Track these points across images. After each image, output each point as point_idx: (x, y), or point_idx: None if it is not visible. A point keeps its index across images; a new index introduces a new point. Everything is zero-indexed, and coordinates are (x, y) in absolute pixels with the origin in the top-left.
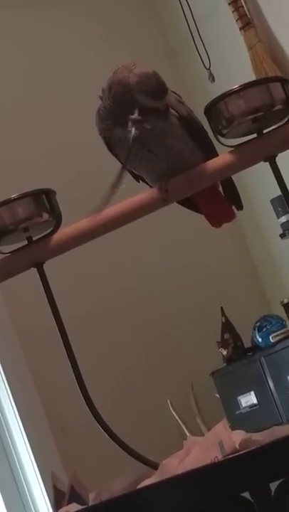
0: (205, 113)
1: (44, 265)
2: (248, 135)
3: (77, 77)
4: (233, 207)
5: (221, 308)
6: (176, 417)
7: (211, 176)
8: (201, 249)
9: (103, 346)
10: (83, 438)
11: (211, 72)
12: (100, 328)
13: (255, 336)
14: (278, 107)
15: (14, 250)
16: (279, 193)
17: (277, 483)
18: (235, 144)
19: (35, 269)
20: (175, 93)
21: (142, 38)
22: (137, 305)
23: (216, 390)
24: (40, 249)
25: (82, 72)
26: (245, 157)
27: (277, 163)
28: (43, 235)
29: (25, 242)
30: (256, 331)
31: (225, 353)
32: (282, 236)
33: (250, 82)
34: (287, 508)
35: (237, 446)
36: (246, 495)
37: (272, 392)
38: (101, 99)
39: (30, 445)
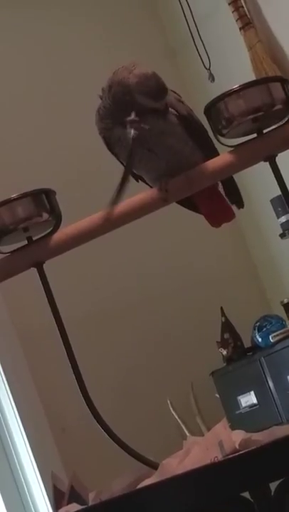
0: (205, 113)
1: (44, 265)
2: (248, 135)
3: (77, 77)
4: (234, 206)
5: (221, 308)
6: (176, 417)
7: (211, 176)
8: (201, 249)
9: (103, 346)
10: (83, 438)
11: (211, 72)
12: (100, 328)
13: (255, 336)
14: (278, 106)
15: (14, 250)
16: (279, 192)
17: (277, 483)
18: (235, 143)
19: (35, 269)
20: (175, 92)
21: (142, 38)
22: (137, 305)
23: (216, 389)
24: (40, 249)
25: (82, 72)
26: (245, 157)
27: (277, 163)
28: (42, 234)
29: (25, 242)
30: (256, 331)
31: (225, 352)
32: (282, 236)
33: (250, 82)
34: (287, 508)
35: (237, 446)
36: (246, 495)
37: (272, 392)
38: (101, 99)
39: (30, 445)
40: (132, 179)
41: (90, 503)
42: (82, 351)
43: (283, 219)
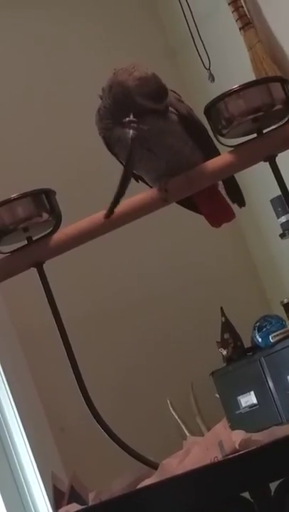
0: (205, 113)
1: (44, 265)
2: (247, 135)
3: (77, 77)
4: (235, 204)
5: (221, 308)
6: (176, 417)
7: (211, 176)
8: (201, 249)
9: (103, 346)
10: (83, 438)
11: (210, 72)
12: (100, 328)
13: (255, 336)
14: (278, 106)
15: (14, 250)
16: (279, 192)
17: (276, 483)
18: (235, 143)
19: (35, 269)
20: (174, 92)
21: (142, 38)
22: (137, 305)
23: (216, 390)
24: (40, 249)
25: (82, 72)
26: (245, 157)
27: (277, 163)
28: (42, 234)
29: (25, 242)
30: (256, 331)
31: (225, 353)
32: (282, 236)
33: (250, 82)
34: (287, 508)
35: (237, 446)
36: (246, 495)
37: (272, 392)
38: (101, 99)
39: (30, 445)
40: (132, 180)
41: (90, 503)
42: (82, 351)
43: (283, 219)
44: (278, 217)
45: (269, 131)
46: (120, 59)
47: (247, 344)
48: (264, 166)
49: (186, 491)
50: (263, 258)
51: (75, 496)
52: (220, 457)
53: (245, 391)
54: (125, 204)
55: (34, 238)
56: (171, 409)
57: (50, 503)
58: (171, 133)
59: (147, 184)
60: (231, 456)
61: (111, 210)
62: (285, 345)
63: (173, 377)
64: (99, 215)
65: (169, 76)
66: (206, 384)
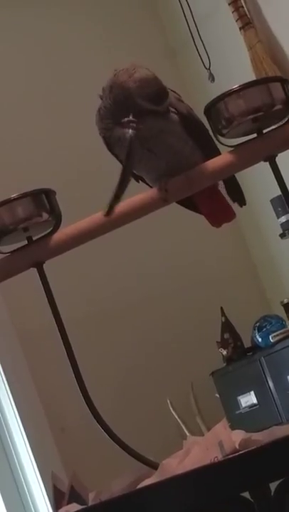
0: (205, 113)
1: (44, 265)
2: (247, 135)
3: (77, 77)
4: (236, 203)
5: (221, 308)
6: (176, 417)
7: (211, 176)
8: (201, 249)
9: (103, 346)
10: (83, 438)
11: (210, 72)
12: (100, 328)
13: (255, 336)
14: (278, 106)
15: (14, 250)
16: (279, 192)
17: (277, 483)
18: (235, 143)
19: (35, 269)
20: (174, 92)
21: (142, 38)
22: (137, 305)
23: (216, 389)
24: (40, 249)
25: (82, 72)
26: (245, 157)
27: (277, 163)
28: (42, 234)
29: (25, 242)
30: (256, 331)
31: (225, 353)
32: (282, 236)
33: (250, 82)
34: (287, 508)
35: (237, 446)
36: (246, 495)
37: (272, 392)
38: (101, 99)
39: (30, 445)
40: (132, 180)
41: (90, 503)
42: (82, 351)
43: (283, 219)
44: (278, 217)
45: (269, 131)
46: (120, 59)
47: (247, 344)
48: (264, 166)
49: (186, 491)
50: (263, 258)
51: (75, 496)
52: (220, 457)
53: (245, 391)
54: (125, 204)
55: (34, 238)
56: (171, 409)
57: (50, 503)
58: (171, 133)
59: (147, 184)
60: (231, 456)
61: (110, 208)
62: (285, 345)
63: (173, 377)
64: (99, 215)
65: (169, 76)
66: (206, 384)
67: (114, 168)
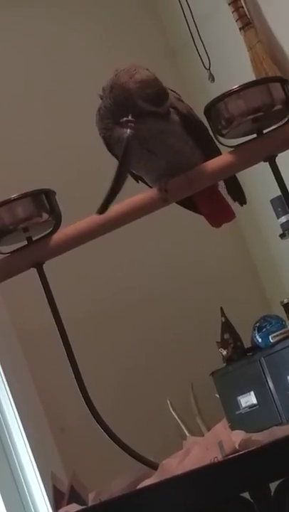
0: (205, 113)
1: (44, 265)
2: (247, 135)
3: (77, 77)
4: (237, 203)
5: (221, 308)
6: (176, 417)
7: (211, 176)
8: (201, 250)
9: (103, 346)
10: (83, 438)
11: (210, 73)
12: (100, 328)
13: (255, 336)
14: (278, 107)
15: (14, 250)
16: (279, 193)
17: (276, 483)
18: (235, 144)
19: (35, 270)
20: (174, 91)
21: (142, 38)
22: (137, 305)
23: (216, 390)
24: (40, 250)
25: (82, 72)
26: (245, 157)
27: (277, 164)
28: (42, 235)
29: (25, 242)
30: (256, 331)
31: (225, 353)
32: (282, 236)
33: (250, 82)
34: (287, 508)
35: (237, 447)
36: (246, 495)
37: (272, 393)
38: (101, 98)
39: (30, 445)
40: (131, 180)
41: (90, 504)
42: (82, 351)
43: (283, 219)
44: (278, 218)
45: (269, 132)
46: (120, 59)
47: (247, 344)
48: (264, 166)
49: (185, 491)
50: (263, 258)
51: (74, 496)
52: (220, 457)
53: (245, 391)
54: (125, 204)
55: (34, 238)
56: (171, 409)
57: (50, 504)
58: (171, 133)
59: (147, 184)
60: (231, 456)
61: (103, 208)
62: (285, 345)
63: (173, 377)
64: (99, 216)
65: (169, 76)
66: (206, 384)
67: (114, 168)
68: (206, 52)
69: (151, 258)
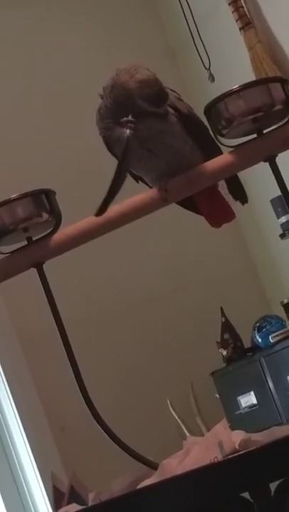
0: (205, 113)
1: (44, 265)
2: (247, 135)
3: (77, 77)
4: (238, 202)
5: (221, 308)
6: (176, 417)
7: (211, 176)
8: (201, 250)
9: (103, 346)
10: (83, 438)
11: (210, 73)
12: (100, 328)
13: (255, 336)
14: (278, 107)
15: (14, 250)
16: (279, 193)
17: (276, 483)
18: (235, 144)
19: (35, 270)
20: (174, 91)
21: (142, 38)
22: (137, 305)
23: (216, 390)
24: (40, 250)
25: (82, 72)
26: (245, 157)
27: (277, 164)
28: (42, 235)
29: (25, 243)
30: (256, 331)
31: (225, 353)
32: (282, 236)
33: (250, 83)
34: (287, 508)
35: (237, 447)
36: (246, 495)
37: (272, 393)
38: (102, 98)
39: (30, 445)
40: (131, 180)
41: (90, 504)
42: (82, 351)
43: (283, 219)
44: (278, 218)
45: (269, 132)
46: (120, 59)
47: (247, 344)
48: (264, 166)
49: (185, 491)
50: (263, 258)
51: (74, 496)
52: (220, 457)
53: (245, 391)
54: (125, 204)
55: (34, 238)
56: (171, 409)
57: (50, 503)
58: (170, 133)
59: (147, 185)
60: (231, 456)
61: (101, 209)
62: (285, 345)
63: (173, 377)
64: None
65: (169, 76)
66: (206, 384)
67: (114, 168)
68: (206, 52)
69: (151, 258)
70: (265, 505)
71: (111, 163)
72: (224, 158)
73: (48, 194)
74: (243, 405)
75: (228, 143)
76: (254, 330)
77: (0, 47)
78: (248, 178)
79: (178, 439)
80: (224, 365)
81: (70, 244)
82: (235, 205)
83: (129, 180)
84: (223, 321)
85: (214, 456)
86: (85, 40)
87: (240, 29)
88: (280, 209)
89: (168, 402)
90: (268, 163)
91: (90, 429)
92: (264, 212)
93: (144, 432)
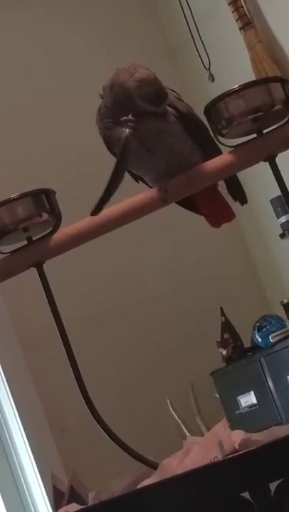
0: (205, 113)
1: (44, 265)
2: (247, 135)
3: (77, 77)
4: (237, 202)
5: (221, 308)
6: (176, 417)
7: (211, 176)
8: (201, 250)
9: (103, 346)
10: (83, 438)
11: (210, 72)
12: (100, 328)
13: (255, 336)
14: (278, 107)
15: (14, 250)
16: (279, 193)
17: (276, 483)
18: (235, 143)
19: (35, 269)
20: (174, 91)
21: (142, 38)
22: (137, 305)
23: (216, 389)
24: (40, 249)
25: (82, 72)
26: (245, 157)
27: (277, 163)
28: (42, 234)
29: (25, 242)
30: (256, 331)
31: (225, 352)
32: (282, 236)
33: (250, 82)
34: (287, 508)
35: (236, 446)
36: (246, 495)
37: (271, 392)
38: (102, 98)
39: (30, 445)
40: (131, 180)
41: (90, 503)
42: (82, 351)
43: (283, 219)
44: (278, 218)
45: (269, 132)
46: (120, 59)
47: (247, 344)
48: (264, 166)
49: (185, 491)
50: (263, 258)
51: (74, 496)
52: (220, 457)
53: (245, 391)
54: (125, 204)
55: (34, 238)
56: (171, 409)
57: (50, 503)
58: (170, 133)
59: (147, 184)
60: (231, 456)
61: (97, 208)
62: (285, 345)
63: (173, 377)
64: (99, 216)
65: (169, 76)
66: (205, 384)
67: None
68: (206, 52)
69: (151, 258)
70: (265, 504)
71: (111, 163)
72: (224, 158)
73: (48, 194)
74: (243, 405)
75: (228, 143)
76: (254, 330)
77: (0, 47)
78: (248, 178)
79: (178, 439)
80: (224, 364)
81: (70, 244)
82: (235, 205)
83: (129, 180)
84: (223, 320)
85: (214, 455)
86: (85, 40)
87: (240, 29)
88: (279, 209)
89: (168, 401)
90: (267, 163)
91: (90, 429)
92: (264, 212)
93: (144, 431)
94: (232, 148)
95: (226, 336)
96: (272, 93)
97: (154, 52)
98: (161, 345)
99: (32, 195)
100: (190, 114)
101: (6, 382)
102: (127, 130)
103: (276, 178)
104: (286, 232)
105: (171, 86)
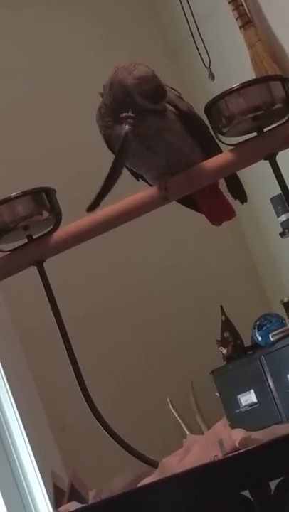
0: (205, 112)
1: (44, 263)
2: (248, 133)
3: (77, 77)
4: (237, 201)
5: (221, 306)
6: (176, 416)
7: (211, 174)
8: (201, 248)
9: (103, 345)
10: (83, 436)
11: (211, 71)
12: (100, 326)
13: (255, 335)
14: (278, 105)
15: (14, 248)
16: (279, 191)
17: (277, 481)
18: (236, 142)
19: (36, 268)
20: (174, 89)
21: (142, 37)
22: (137, 304)
23: (216, 388)
24: (40, 248)
25: (82, 72)
26: (245, 155)
27: (278, 162)
28: (43, 233)
29: (26, 241)
30: (256, 330)
31: (225, 351)
32: (282, 235)
33: (250, 81)
34: (287, 507)
35: (237, 445)
36: (246, 493)
37: (272, 391)
38: (102, 96)
39: (30, 443)
40: (131, 178)
41: (90, 502)
42: (82, 350)
43: (283, 218)
44: (278, 216)
45: (269, 130)
46: (120, 59)
47: (247, 343)
48: (264, 165)
49: (186, 490)
50: (263, 257)
51: (75, 495)
52: (220, 456)
53: (245, 390)
54: (125, 202)
55: (34, 236)
56: (171, 407)
57: (50, 502)
58: (170, 131)
59: (147, 183)
60: (231, 454)
61: (94, 204)
62: (285, 343)
63: (173, 376)
64: (99, 214)
65: (169, 75)
66: (206, 382)
67: None
68: (206, 51)
69: (151, 257)
70: (265, 503)
71: (111, 162)
72: (224, 156)
73: (48, 192)
74: (243, 404)
75: (229, 141)
76: (254, 328)
77: (0, 47)
78: (248, 177)
79: (178, 438)
80: (224, 363)
81: (70, 243)
82: (235, 204)
83: (129, 179)
84: (223, 319)
85: (214, 454)
86: (85, 40)
87: (240, 28)
88: (280, 207)
89: (168, 400)
90: (268, 162)
91: (90, 427)
92: (264, 211)
93: (144, 430)
94: (232, 147)
95: (226, 334)
96: (273, 91)
97: (154, 52)
98: (162, 343)
99: (32, 193)
100: (190, 112)
101: (6, 381)
102: (127, 126)
103: (276, 177)
104: (286, 230)
105: (172, 84)
